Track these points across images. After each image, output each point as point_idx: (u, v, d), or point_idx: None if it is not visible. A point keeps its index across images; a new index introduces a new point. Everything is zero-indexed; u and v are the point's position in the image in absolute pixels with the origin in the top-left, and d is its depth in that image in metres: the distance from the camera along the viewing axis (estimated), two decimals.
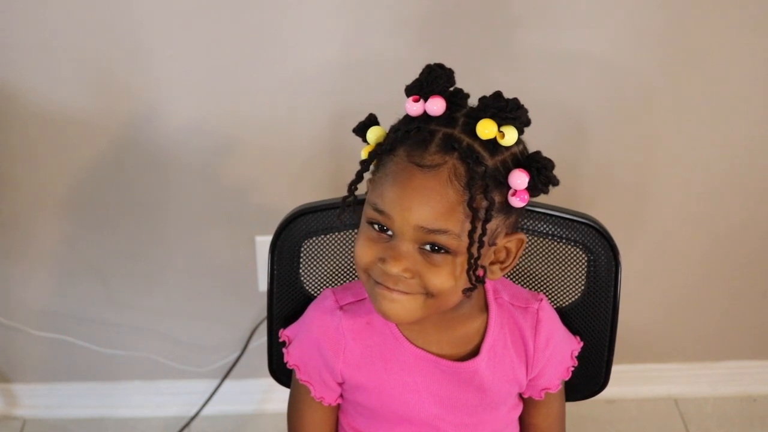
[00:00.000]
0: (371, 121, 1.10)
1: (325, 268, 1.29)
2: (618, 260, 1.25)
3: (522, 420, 1.27)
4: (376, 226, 1.05)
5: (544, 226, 1.25)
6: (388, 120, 1.10)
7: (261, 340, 1.95)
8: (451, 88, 1.06)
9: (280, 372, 1.32)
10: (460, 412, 1.19)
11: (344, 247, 1.28)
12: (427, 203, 1.01)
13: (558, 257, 1.26)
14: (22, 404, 2.05)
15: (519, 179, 1.02)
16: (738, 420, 2.05)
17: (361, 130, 1.10)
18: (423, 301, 1.06)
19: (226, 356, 2.00)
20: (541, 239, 1.25)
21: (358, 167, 1.08)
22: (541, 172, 1.03)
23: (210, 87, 1.73)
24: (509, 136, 1.02)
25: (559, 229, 1.24)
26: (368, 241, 1.06)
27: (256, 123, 1.76)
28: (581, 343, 1.26)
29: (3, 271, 1.91)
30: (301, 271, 1.28)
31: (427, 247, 1.03)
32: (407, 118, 1.06)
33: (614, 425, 2.03)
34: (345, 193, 1.09)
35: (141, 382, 2.04)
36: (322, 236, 1.26)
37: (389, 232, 1.05)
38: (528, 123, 1.05)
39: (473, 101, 1.07)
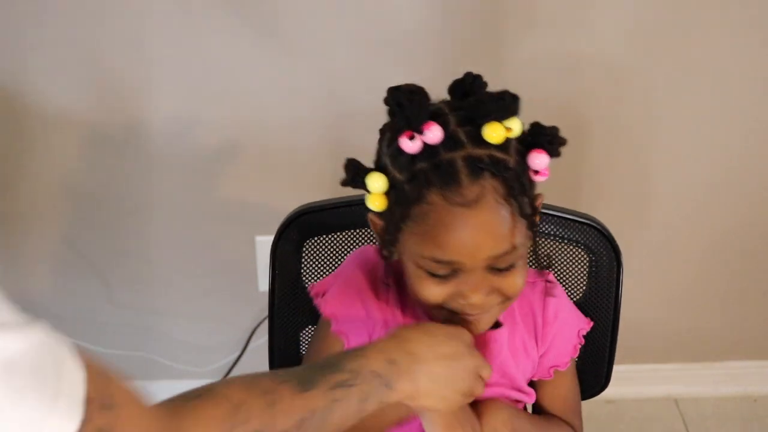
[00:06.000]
0: (360, 168, 1.01)
1: (326, 268, 1.29)
2: (620, 261, 1.25)
3: (534, 406, 1.23)
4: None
5: (546, 226, 1.25)
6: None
7: (261, 340, 1.95)
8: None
9: None
10: None
11: (345, 247, 1.28)
12: (491, 235, 0.98)
13: (560, 258, 1.26)
14: None
15: (538, 159, 1.00)
16: (738, 420, 2.05)
17: (353, 179, 1.01)
18: (499, 307, 1.06)
19: (226, 356, 2.00)
20: (543, 239, 1.25)
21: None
22: (554, 143, 1.00)
23: (211, 88, 1.73)
24: (515, 127, 0.98)
25: (561, 230, 1.24)
26: (432, 282, 1.01)
27: (256, 123, 1.76)
28: (591, 323, 1.22)
29: (2, 271, 1.90)
30: (302, 270, 1.28)
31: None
32: (405, 156, 0.97)
33: (614, 425, 2.03)
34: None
35: (141, 382, 2.03)
36: (323, 236, 1.26)
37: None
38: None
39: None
